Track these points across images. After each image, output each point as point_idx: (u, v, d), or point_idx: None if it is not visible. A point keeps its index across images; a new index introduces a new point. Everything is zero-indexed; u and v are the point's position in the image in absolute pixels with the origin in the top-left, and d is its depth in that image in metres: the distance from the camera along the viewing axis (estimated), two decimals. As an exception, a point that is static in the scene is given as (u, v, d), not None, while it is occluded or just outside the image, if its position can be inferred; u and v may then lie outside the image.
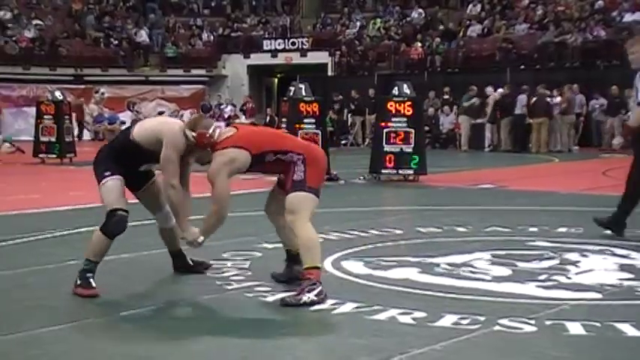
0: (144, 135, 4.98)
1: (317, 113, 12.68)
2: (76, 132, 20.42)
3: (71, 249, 6.51)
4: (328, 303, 4.69)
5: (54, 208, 9.19)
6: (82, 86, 27.48)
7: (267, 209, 5.20)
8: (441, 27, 26.34)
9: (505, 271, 5.61)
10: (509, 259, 5.97)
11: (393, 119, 12.33)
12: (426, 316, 4.41)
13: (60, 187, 11.95)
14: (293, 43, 29.03)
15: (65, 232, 7.43)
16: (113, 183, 4.95)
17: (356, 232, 7.26)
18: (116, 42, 29.43)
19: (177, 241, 5.38)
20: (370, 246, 6.62)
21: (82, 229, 7.45)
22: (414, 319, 4.38)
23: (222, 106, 26.56)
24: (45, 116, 16.80)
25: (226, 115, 25.47)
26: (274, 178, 5.25)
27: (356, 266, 5.77)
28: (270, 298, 4.85)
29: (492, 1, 26.53)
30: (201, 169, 5.12)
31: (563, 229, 7.36)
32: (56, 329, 4.24)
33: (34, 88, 26.78)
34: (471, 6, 27.11)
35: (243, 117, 25.08)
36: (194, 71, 29.44)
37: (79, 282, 4.87)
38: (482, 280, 5.36)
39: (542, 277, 5.41)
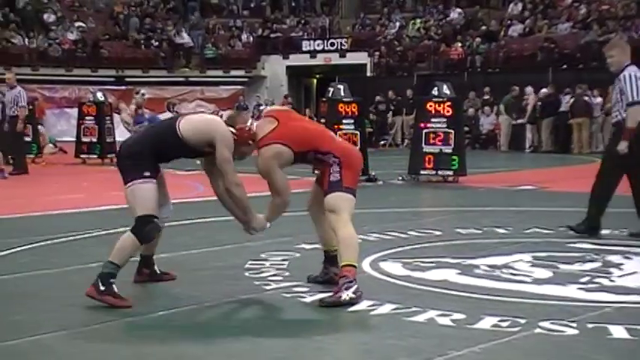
0: (193, 134, 4.80)
1: (356, 114, 12.67)
2: None
3: (112, 248, 6.58)
4: (366, 304, 4.67)
5: (95, 208, 9.30)
6: (123, 87, 27.79)
7: (309, 206, 5.22)
8: (483, 27, 26.11)
9: (546, 273, 5.54)
10: (551, 261, 5.89)
11: (433, 120, 12.26)
12: (465, 318, 4.37)
13: (101, 187, 12.07)
14: (332, 44, 29.03)
15: (106, 232, 7.50)
16: (152, 187, 4.74)
17: (394, 233, 7.22)
18: (156, 43, 29.70)
19: (156, 246, 5.27)
20: (409, 247, 6.58)
21: (124, 229, 7.52)
22: (453, 320, 4.35)
23: (261, 107, 26.66)
24: (86, 117, 17.05)
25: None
26: (312, 179, 5.25)
27: (394, 267, 5.74)
28: (309, 299, 4.84)
29: (534, 1, 26.26)
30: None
31: (605, 231, 7.24)
32: (97, 328, 4.29)
33: (76, 90, 27.15)
34: (512, 5, 26.86)
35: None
36: (233, 72, 29.60)
37: (102, 287, 4.60)
38: (523, 282, 5.29)
39: (584, 280, 5.33)
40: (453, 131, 12.20)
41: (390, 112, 23.96)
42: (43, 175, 12.95)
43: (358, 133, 12.55)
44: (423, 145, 12.24)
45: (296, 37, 29.95)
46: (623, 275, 5.50)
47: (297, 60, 29.48)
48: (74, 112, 19.74)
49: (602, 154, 8.62)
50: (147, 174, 4.72)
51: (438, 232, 7.33)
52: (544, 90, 20.38)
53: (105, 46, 29.06)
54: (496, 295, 4.92)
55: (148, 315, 4.56)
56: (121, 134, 23.02)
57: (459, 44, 25.64)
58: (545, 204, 9.63)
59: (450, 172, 12.29)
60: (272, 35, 30.40)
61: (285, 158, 4.89)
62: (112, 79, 28.40)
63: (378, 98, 24.03)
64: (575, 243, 6.71)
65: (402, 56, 26.96)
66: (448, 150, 12.16)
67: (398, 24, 28.64)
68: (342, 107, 12.61)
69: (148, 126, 4.92)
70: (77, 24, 29.89)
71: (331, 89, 13.33)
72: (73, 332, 4.20)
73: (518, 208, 9.24)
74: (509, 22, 25.89)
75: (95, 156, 16.81)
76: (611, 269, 5.66)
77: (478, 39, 25.42)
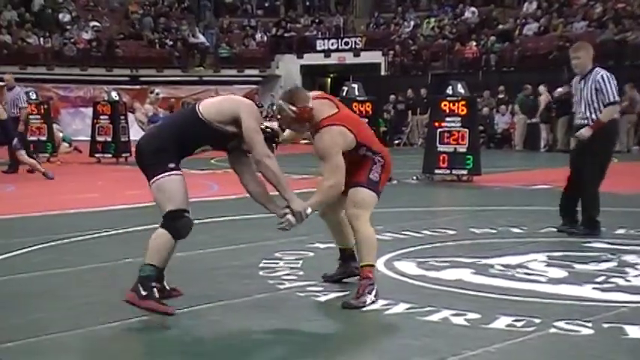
0: (217, 112, 4.47)
1: (370, 113, 12.65)
2: None
3: (128, 247, 6.62)
4: (381, 303, 4.67)
5: (110, 207, 9.33)
6: (138, 87, 27.90)
7: (322, 214, 5.10)
8: (501, 26, 26.01)
9: (561, 273, 5.52)
10: (566, 261, 5.87)
11: (447, 119, 12.24)
12: (479, 318, 4.36)
13: (116, 186, 12.13)
14: (346, 43, 29.02)
15: (121, 231, 7.54)
16: (180, 179, 4.40)
17: (409, 233, 7.22)
18: (171, 43, 29.79)
19: (168, 260, 4.68)
20: (423, 246, 6.57)
21: (139, 228, 7.56)
22: (467, 320, 4.34)
23: (274, 107, 26.69)
24: (101, 116, 17.11)
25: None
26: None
27: (409, 267, 5.73)
28: (323, 298, 4.85)
29: (549, -1, 26.17)
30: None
31: (621, 231, 7.21)
32: (114, 326, 4.31)
33: (90, 89, 27.27)
34: (527, 4, 26.76)
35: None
36: (247, 71, 29.64)
37: (143, 292, 4.29)
38: (538, 281, 5.28)
39: (599, 279, 5.31)
40: (467, 130, 12.17)
41: (410, 111, 23.95)
42: (57, 174, 13.00)
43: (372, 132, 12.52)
44: (438, 144, 12.22)
45: (310, 37, 29.96)
46: (639, 275, 5.47)
47: (311, 59, 29.49)
48: (89, 111, 19.83)
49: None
50: (171, 165, 4.39)
51: (452, 232, 7.32)
52: (559, 89, 20.29)
53: (120, 45, 29.17)
54: (511, 294, 4.90)
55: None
56: (136, 133, 23.12)
57: (474, 43, 25.57)
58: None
59: (465, 172, 12.26)
60: (286, 34, 30.42)
61: (347, 143, 4.73)
62: (126, 79, 28.50)
63: (392, 97, 23.99)
64: (590, 242, 6.68)
65: (416, 55, 26.91)
66: (462, 149, 12.13)
67: (412, 23, 28.59)
68: (356, 106, 12.57)
69: (164, 118, 4.70)
70: (92, 23, 30.01)
71: (345, 88, 13.32)
72: (90, 330, 4.22)
73: (533, 208, 9.21)
74: (524, 20, 25.79)
75: (110, 155, 16.87)
76: (627, 269, 5.64)
77: (493, 37, 25.34)
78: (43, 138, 16.79)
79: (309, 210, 4.61)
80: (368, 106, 12.68)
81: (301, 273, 5.54)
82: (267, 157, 4.46)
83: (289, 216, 4.59)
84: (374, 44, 28.47)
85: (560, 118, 19.97)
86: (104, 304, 4.76)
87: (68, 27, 29.44)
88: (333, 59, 29.11)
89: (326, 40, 29.45)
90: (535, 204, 9.57)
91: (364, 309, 4.58)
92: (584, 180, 7.03)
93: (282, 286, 5.16)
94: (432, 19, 28.43)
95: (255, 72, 29.78)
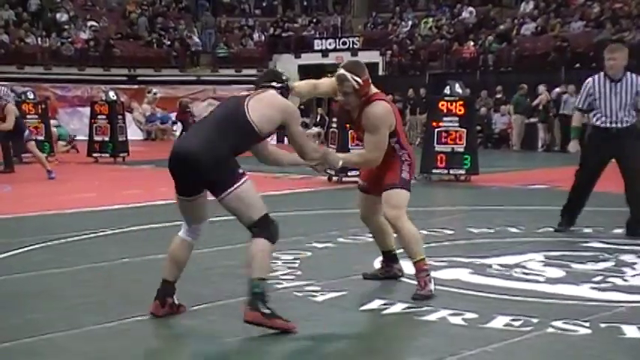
0: (269, 124, 4.30)
1: (367, 112, 12.63)
2: None
3: (125, 247, 6.61)
4: (378, 303, 4.67)
5: (108, 207, 9.32)
6: (135, 86, 27.87)
7: (364, 218, 5.26)
8: (501, 27, 26.00)
9: (559, 273, 5.52)
10: (563, 261, 5.87)
11: (445, 119, 12.24)
12: (477, 318, 4.36)
13: (113, 186, 12.12)
14: (344, 43, 29.01)
15: (118, 231, 7.53)
16: (250, 181, 4.20)
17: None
18: (168, 43, 29.78)
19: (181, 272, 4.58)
20: (421, 246, 6.56)
21: (136, 228, 7.56)
22: (465, 320, 4.34)
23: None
24: (99, 116, 17.09)
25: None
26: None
27: (406, 266, 5.71)
28: (320, 298, 4.85)
29: (547, -1, 26.18)
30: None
31: (618, 231, 7.22)
32: (111, 326, 4.30)
33: (88, 89, 27.22)
34: (523, 4, 26.77)
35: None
36: (245, 71, 29.60)
37: (267, 311, 4.10)
38: (535, 281, 5.28)
39: (597, 279, 5.31)
40: (465, 130, 12.17)
41: (408, 111, 23.95)
42: (55, 173, 13.00)
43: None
44: (435, 144, 12.22)
45: (308, 36, 29.95)
46: (637, 275, 5.48)
47: (308, 59, 29.46)
48: (86, 111, 19.79)
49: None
50: (241, 170, 4.17)
51: (450, 231, 7.32)
52: (557, 89, 20.31)
53: (117, 45, 29.14)
54: (508, 294, 4.91)
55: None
56: (133, 133, 23.07)
57: (472, 43, 25.57)
58: (558, 203, 9.54)
59: (462, 171, 12.26)
60: (284, 34, 30.41)
61: (391, 122, 4.86)
62: (124, 78, 28.46)
63: (389, 97, 23.97)
64: (587, 242, 6.69)
65: (414, 55, 26.91)
66: (460, 149, 12.14)
67: (410, 23, 28.60)
68: (353, 106, 12.58)
69: (210, 122, 4.30)
70: (90, 23, 29.98)
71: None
72: (87, 331, 4.22)
73: (531, 207, 9.21)
74: (521, 20, 25.80)
75: (107, 155, 16.87)
76: (625, 268, 5.64)
77: (490, 37, 25.35)
78: (41, 138, 16.76)
79: (340, 162, 4.79)
80: (366, 106, 12.65)
81: (299, 273, 5.53)
82: (315, 152, 4.57)
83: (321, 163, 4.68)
84: (371, 44, 28.46)
85: (557, 118, 20.00)
86: (101, 304, 4.75)
87: (66, 27, 29.40)
88: (331, 59, 29.05)
89: (323, 40, 29.44)
90: (533, 204, 9.58)
91: (361, 308, 4.58)
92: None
93: (279, 286, 5.15)
94: (430, 19, 28.43)
95: (253, 72, 29.70)
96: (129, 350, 3.95)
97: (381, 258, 5.41)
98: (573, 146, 7.35)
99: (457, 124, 12.16)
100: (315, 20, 31.06)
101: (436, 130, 12.28)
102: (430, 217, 8.67)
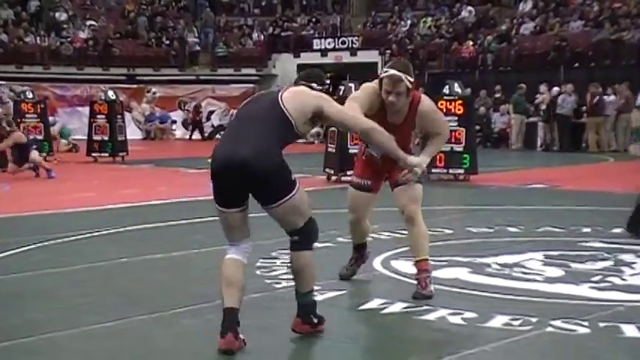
0: (306, 123, 4.08)
1: (367, 112, 12.63)
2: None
3: (123, 247, 6.61)
4: (377, 302, 4.67)
5: (107, 207, 9.32)
6: (135, 86, 27.86)
7: (357, 218, 5.21)
8: (503, 27, 25.99)
9: (558, 272, 5.52)
10: (562, 260, 5.87)
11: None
12: (476, 317, 4.36)
13: (112, 185, 12.11)
14: (343, 42, 29.01)
15: (116, 231, 7.53)
16: (300, 185, 4.03)
17: (406, 232, 7.19)
18: (167, 42, 29.78)
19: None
20: (420, 245, 6.55)
21: (134, 227, 7.55)
22: (464, 319, 4.34)
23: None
24: (98, 115, 17.09)
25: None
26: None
27: (405, 266, 5.72)
28: (320, 297, 4.84)
29: (546, -1, 26.19)
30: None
31: (617, 230, 7.21)
32: (109, 326, 4.30)
33: (87, 88, 27.21)
34: (522, 3, 26.78)
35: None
36: (244, 70, 29.62)
37: (315, 320, 4.11)
38: (535, 280, 5.28)
39: (596, 279, 5.31)
40: (464, 130, 12.17)
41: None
42: (54, 173, 13.00)
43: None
44: (434, 143, 12.20)
45: (307, 36, 29.95)
46: (635, 274, 5.47)
47: (308, 58, 29.43)
48: (86, 110, 19.79)
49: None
50: (293, 177, 4.00)
51: (449, 231, 7.32)
52: (556, 88, 20.31)
53: (116, 44, 29.13)
54: (507, 293, 4.91)
55: (160, 313, 4.57)
56: (132, 133, 23.04)
57: (471, 42, 25.57)
58: (557, 202, 9.59)
59: (461, 171, 12.26)
60: (283, 34, 30.41)
61: None
62: (123, 78, 28.45)
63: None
64: (586, 242, 6.69)
65: (413, 54, 26.87)
66: (459, 148, 12.14)
67: (409, 22, 28.60)
68: (353, 105, 12.58)
69: (252, 123, 3.98)
70: (89, 22, 29.97)
71: (342, 88, 13.30)
72: (85, 330, 4.22)
73: (530, 207, 9.21)
74: (520, 20, 25.80)
75: (106, 154, 16.87)
76: (623, 268, 5.64)
77: (489, 37, 25.34)
78: (40, 137, 16.74)
79: (424, 165, 4.78)
80: (365, 106, 12.64)
81: (298, 272, 5.52)
82: (373, 130, 4.21)
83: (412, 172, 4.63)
84: (371, 43, 28.46)
85: (557, 117, 20.00)
86: (99, 303, 4.75)
87: (65, 26, 29.38)
88: (330, 58, 29.08)
89: (323, 40, 29.44)
90: (532, 203, 9.58)
91: (360, 308, 4.58)
92: None
93: (278, 285, 5.16)
94: (429, 19, 28.42)
95: (252, 71, 29.76)
96: (128, 350, 3.95)
97: (378, 258, 5.40)
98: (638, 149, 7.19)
99: (456, 124, 12.15)
100: (314, 20, 31.06)
101: (435, 129, 12.26)
102: (429, 217, 8.62)
